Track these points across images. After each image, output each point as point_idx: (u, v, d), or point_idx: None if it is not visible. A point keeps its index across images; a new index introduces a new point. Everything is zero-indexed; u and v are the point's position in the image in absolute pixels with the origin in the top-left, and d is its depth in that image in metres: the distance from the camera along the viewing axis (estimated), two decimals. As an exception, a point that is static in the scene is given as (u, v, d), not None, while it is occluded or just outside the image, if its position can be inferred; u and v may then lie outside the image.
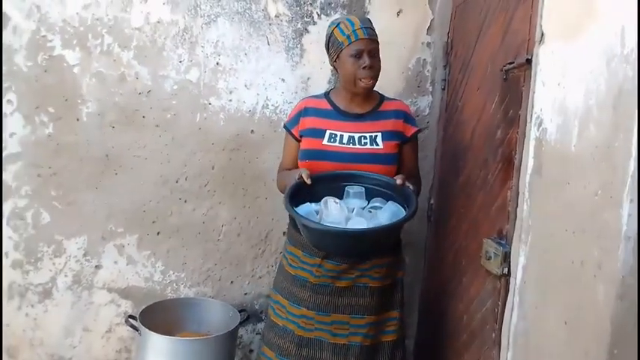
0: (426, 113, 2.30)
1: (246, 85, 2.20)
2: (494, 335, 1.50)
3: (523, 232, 1.35)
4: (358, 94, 1.77)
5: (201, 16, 2.14)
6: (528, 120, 1.35)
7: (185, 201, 2.22)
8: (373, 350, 1.75)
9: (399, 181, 1.66)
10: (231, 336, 2.01)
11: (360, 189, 1.69)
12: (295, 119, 1.84)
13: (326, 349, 1.72)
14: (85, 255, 2.18)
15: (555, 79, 1.23)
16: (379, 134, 1.76)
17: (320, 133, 1.77)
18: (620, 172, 0.98)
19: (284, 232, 2.16)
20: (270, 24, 2.18)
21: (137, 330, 1.98)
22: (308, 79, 2.22)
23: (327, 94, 1.86)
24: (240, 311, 2.12)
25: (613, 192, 0.99)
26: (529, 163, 1.33)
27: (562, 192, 1.17)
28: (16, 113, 2.06)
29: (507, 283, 1.43)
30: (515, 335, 1.36)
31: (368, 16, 2.16)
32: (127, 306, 2.22)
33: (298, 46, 2.21)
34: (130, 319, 2.05)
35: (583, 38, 1.13)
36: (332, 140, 1.76)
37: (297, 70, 2.22)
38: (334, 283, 1.71)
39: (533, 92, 1.33)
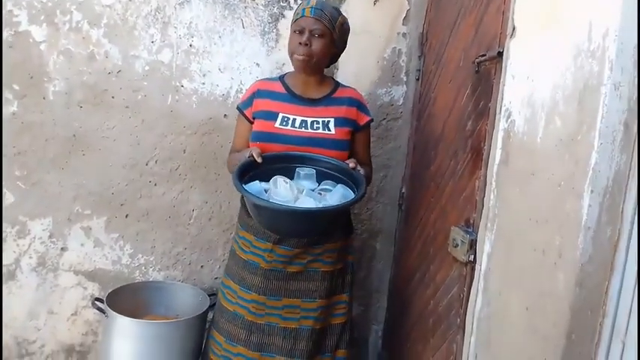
0: (400, 103, 2.32)
1: (219, 69, 2.17)
2: (459, 320, 1.54)
3: (489, 220, 1.38)
4: (300, 72, 1.78)
5: (175, -4, 2.09)
6: (498, 112, 1.38)
7: (155, 184, 2.18)
8: (322, 333, 1.79)
9: (351, 164, 1.68)
10: (200, 319, 2.00)
11: (311, 171, 1.70)
12: (249, 101, 1.83)
13: (276, 333, 1.74)
14: (50, 237, 2.13)
15: (525, 72, 1.26)
16: (332, 120, 1.78)
17: (273, 116, 1.77)
18: (582, 164, 1.01)
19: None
20: (245, 7, 2.15)
21: (104, 312, 1.95)
22: (283, 64, 2.20)
23: (281, 77, 1.86)
24: (209, 295, 2.12)
25: (575, 183, 1.03)
26: (497, 154, 1.36)
27: (527, 183, 1.21)
28: (-21, 89, 1.99)
29: (473, 269, 1.47)
30: (479, 320, 1.40)
31: (344, 5, 2.17)
32: (93, 289, 2.19)
33: (274, 30, 2.19)
34: (96, 302, 2.02)
35: (552, 33, 1.16)
36: (284, 123, 1.76)
37: (273, 55, 2.20)
38: (286, 268, 1.73)
39: (504, 85, 1.36)
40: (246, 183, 1.63)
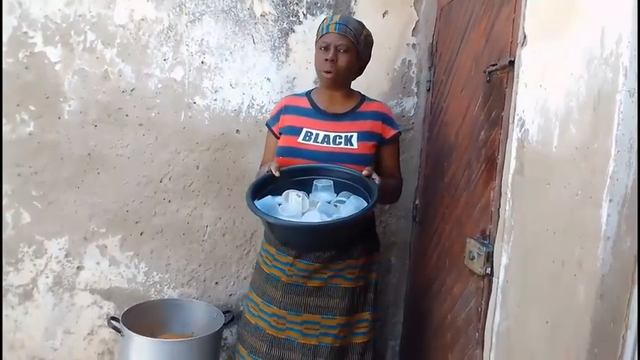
0: (412, 114, 2.31)
1: (231, 85, 2.19)
2: (477, 335, 1.51)
3: (505, 232, 1.35)
4: (326, 88, 1.79)
5: (186, 14, 2.12)
6: (511, 121, 1.36)
7: (169, 201, 2.20)
8: (343, 351, 1.75)
9: (365, 172, 1.65)
10: (216, 337, 2.00)
11: (329, 182, 1.69)
12: (276, 117, 1.85)
13: (296, 349, 1.72)
14: (66, 256, 2.15)
15: (537, 80, 1.24)
16: (355, 134, 1.77)
17: (296, 131, 1.77)
18: (599, 173, 0.99)
19: (269, 232, 2.15)
20: (255, 23, 2.17)
21: (120, 332, 1.96)
22: (294, 78, 2.21)
23: (308, 93, 1.87)
24: (224, 312, 2.11)
25: (592, 192, 1.00)
26: (511, 163, 1.34)
27: (543, 192, 1.18)
28: (-4, 111, 2.03)
29: (490, 282, 1.44)
30: (498, 335, 1.37)
31: (354, 17, 2.17)
32: (109, 308, 2.20)
33: (284, 45, 2.20)
34: (112, 321, 2.02)
35: (564, 40, 1.15)
36: (307, 138, 1.76)
37: (283, 70, 2.21)
38: (306, 282, 1.71)
39: (516, 94, 1.34)
40: (262, 197, 1.64)
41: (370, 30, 2.02)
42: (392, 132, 1.84)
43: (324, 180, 1.69)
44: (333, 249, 1.69)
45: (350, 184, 1.70)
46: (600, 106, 1.00)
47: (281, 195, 1.66)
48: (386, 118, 1.84)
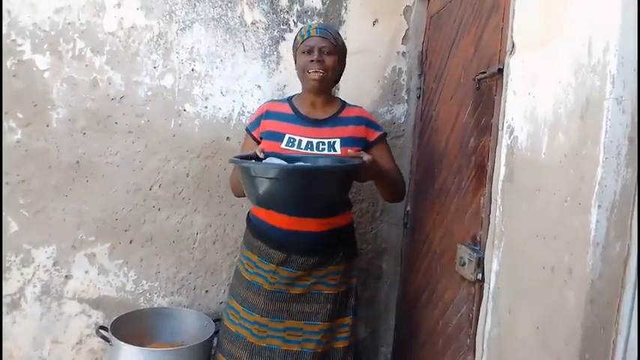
0: (402, 121, 2.32)
1: (221, 92, 2.18)
2: (469, 341, 1.51)
3: (496, 237, 1.36)
4: (311, 92, 1.78)
5: (176, 22, 2.12)
6: (500, 128, 1.38)
7: (159, 209, 2.18)
8: (324, 356, 1.76)
9: (349, 152, 1.61)
10: (206, 346, 1.98)
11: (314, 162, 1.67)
12: (256, 122, 1.84)
13: (277, 356, 1.72)
14: (54, 264, 2.12)
15: (526, 88, 1.26)
16: (338, 140, 1.76)
17: (279, 137, 1.77)
18: (587, 179, 1.00)
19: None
20: (246, 31, 2.18)
21: (108, 341, 1.93)
22: (284, 86, 2.22)
23: (290, 99, 1.87)
24: (215, 321, 2.09)
25: (581, 199, 1.01)
26: (501, 170, 1.35)
27: (533, 199, 1.19)
28: (-17, 119, 2.01)
29: (481, 288, 1.45)
30: (489, 340, 1.37)
31: (344, 25, 2.20)
32: (98, 317, 2.17)
33: (275, 53, 2.21)
34: (100, 330, 2.00)
35: (552, 49, 1.16)
36: (290, 144, 1.75)
37: (274, 77, 2.22)
38: (289, 290, 1.72)
39: (505, 101, 1.35)
40: None
41: (360, 38, 2.05)
42: (376, 134, 1.84)
43: (309, 163, 1.66)
44: (318, 209, 1.64)
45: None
46: (588, 114, 1.02)
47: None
48: (368, 122, 1.84)
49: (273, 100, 1.93)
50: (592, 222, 0.98)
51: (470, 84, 1.65)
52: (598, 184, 0.97)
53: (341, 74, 1.88)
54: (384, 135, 1.87)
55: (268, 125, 1.80)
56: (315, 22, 2.10)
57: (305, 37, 1.76)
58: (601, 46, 0.99)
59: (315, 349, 1.73)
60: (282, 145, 1.74)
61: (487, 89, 1.53)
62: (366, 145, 1.81)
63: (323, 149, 1.75)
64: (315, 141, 1.76)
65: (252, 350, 1.72)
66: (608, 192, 0.96)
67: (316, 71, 1.73)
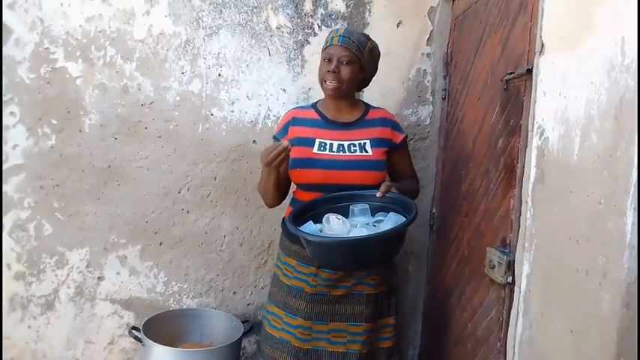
0: (427, 123, 2.32)
1: (247, 96, 2.21)
2: (499, 344, 1.50)
3: (527, 240, 1.35)
4: (330, 99, 1.81)
5: (203, 28, 2.16)
6: (530, 129, 1.36)
7: (187, 212, 2.22)
8: (370, 357, 1.77)
9: (378, 195, 1.70)
10: (235, 347, 2.00)
11: (365, 206, 1.70)
12: (284, 129, 1.85)
13: (324, 357, 1.73)
14: (87, 266, 2.18)
15: (556, 89, 1.24)
16: (368, 141, 1.79)
17: (309, 142, 1.79)
18: (622, 181, 0.98)
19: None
20: (271, 35, 2.20)
21: (140, 341, 1.98)
22: (309, 89, 2.23)
23: (314, 105, 1.89)
24: (243, 322, 2.12)
25: (616, 201, 1.00)
26: (531, 172, 1.33)
27: (565, 201, 1.18)
28: (19, 125, 2.08)
29: (512, 291, 1.43)
30: (520, 344, 1.36)
31: (368, 28, 2.20)
32: (129, 317, 2.22)
33: (299, 57, 2.23)
34: (133, 331, 2.05)
35: (583, 49, 1.15)
36: (322, 148, 1.77)
37: (299, 81, 2.23)
38: (330, 291, 1.73)
39: (535, 102, 1.34)
40: (300, 225, 1.65)
41: (385, 40, 2.04)
42: (401, 136, 1.88)
43: (360, 204, 1.70)
44: (374, 264, 1.70)
45: (384, 206, 1.71)
46: (622, 114, 1.00)
47: (311, 221, 1.67)
48: (394, 124, 1.88)
49: (296, 107, 1.95)
50: (627, 224, 0.96)
51: (497, 85, 1.63)
52: (633, 186, 0.95)
53: (367, 79, 1.89)
54: (407, 137, 1.93)
55: (297, 132, 1.82)
56: (341, 27, 2.11)
57: (327, 45, 1.79)
58: (634, 46, 0.97)
59: (360, 350, 1.74)
60: (314, 150, 1.77)
61: (515, 90, 1.51)
62: (392, 147, 1.84)
63: (355, 150, 1.78)
64: (345, 143, 1.78)
65: (297, 354, 1.73)
66: (644, 194, 0.95)
67: (331, 82, 1.75)
